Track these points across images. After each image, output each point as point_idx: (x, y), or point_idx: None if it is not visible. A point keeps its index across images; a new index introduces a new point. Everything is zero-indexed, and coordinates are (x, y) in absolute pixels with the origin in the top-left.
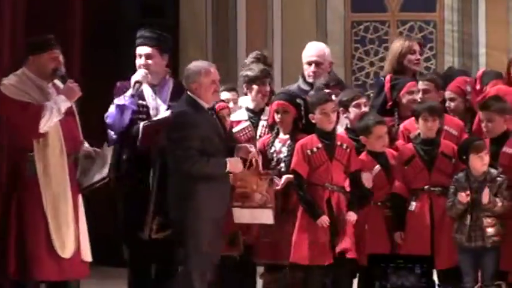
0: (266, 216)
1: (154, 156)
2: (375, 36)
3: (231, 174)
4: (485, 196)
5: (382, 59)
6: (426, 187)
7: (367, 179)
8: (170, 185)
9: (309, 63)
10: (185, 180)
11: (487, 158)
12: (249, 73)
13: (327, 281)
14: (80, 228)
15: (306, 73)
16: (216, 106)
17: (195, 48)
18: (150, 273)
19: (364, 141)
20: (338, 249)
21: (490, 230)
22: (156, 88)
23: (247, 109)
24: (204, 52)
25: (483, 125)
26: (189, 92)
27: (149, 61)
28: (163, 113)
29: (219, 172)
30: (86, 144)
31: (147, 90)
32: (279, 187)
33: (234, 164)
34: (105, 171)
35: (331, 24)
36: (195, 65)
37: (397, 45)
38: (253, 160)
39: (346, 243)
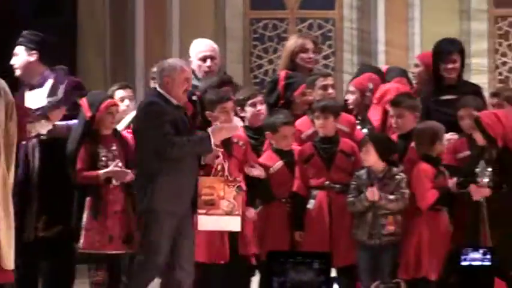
0: (233, 224)
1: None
2: (274, 33)
3: (198, 181)
4: (370, 193)
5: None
6: (326, 183)
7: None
8: (135, 178)
9: (204, 59)
10: (147, 173)
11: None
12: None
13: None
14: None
15: (200, 69)
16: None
17: (93, 47)
18: (36, 273)
19: (269, 137)
20: (241, 250)
21: (388, 228)
22: (35, 89)
23: None
24: (102, 51)
25: (393, 121)
26: (158, 88)
27: (15, 59)
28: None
29: (203, 148)
30: None
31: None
32: None
33: (217, 133)
34: None
35: (230, 22)
36: (172, 61)
37: (290, 43)
38: (219, 166)
39: (244, 242)
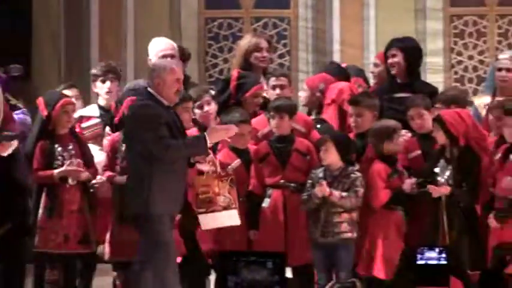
0: (232, 218)
1: None
2: (229, 32)
3: (194, 181)
4: (319, 190)
5: (281, 56)
6: (281, 182)
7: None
8: (128, 181)
9: (164, 58)
10: (141, 176)
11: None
12: (95, 71)
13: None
14: None
15: None
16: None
17: (48, 46)
18: None
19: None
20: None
21: (342, 226)
22: None
23: (99, 106)
24: (58, 50)
25: (352, 119)
26: (149, 88)
27: None
28: None
29: (199, 150)
30: None
31: None
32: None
33: (213, 134)
34: None
35: (185, 21)
36: (161, 61)
37: (244, 42)
38: (211, 163)
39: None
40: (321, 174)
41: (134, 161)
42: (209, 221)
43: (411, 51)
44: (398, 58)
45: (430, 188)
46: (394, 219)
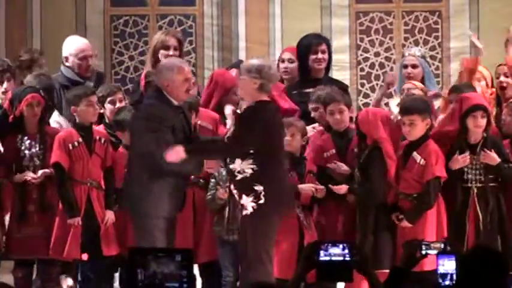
0: None
1: None
2: (135, 30)
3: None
4: (221, 193)
5: (142, 53)
6: (192, 178)
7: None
8: (128, 181)
9: (85, 58)
10: (142, 177)
11: None
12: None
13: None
14: None
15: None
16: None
17: None
18: None
19: (120, 136)
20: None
21: None
22: None
23: None
24: None
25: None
26: (159, 86)
27: None
28: None
29: (190, 170)
30: None
31: None
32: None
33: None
34: None
35: (90, 19)
36: (168, 61)
37: (153, 39)
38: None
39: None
40: (224, 173)
41: (137, 162)
42: None
43: (330, 48)
44: (326, 54)
45: (333, 187)
46: (292, 219)
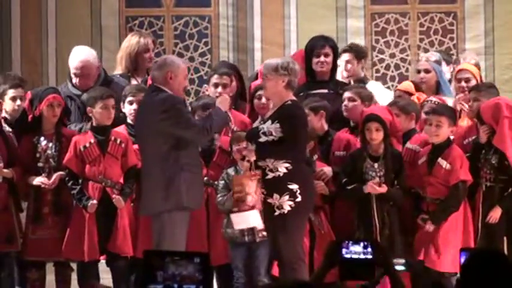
0: (256, 218)
1: None
2: (150, 31)
3: (231, 179)
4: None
5: (158, 54)
6: (205, 179)
7: None
8: (152, 175)
9: (81, 76)
10: (168, 171)
11: None
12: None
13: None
14: None
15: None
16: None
17: None
18: None
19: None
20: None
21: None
22: None
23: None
24: None
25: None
26: (156, 84)
27: None
28: None
29: (224, 120)
30: None
31: None
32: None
33: (224, 103)
34: None
35: (106, 20)
36: (174, 57)
37: (132, 42)
38: (246, 162)
39: (119, 241)
40: (233, 173)
41: (162, 156)
42: (239, 221)
43: (337, 50)
44: (330, 57)
45: (368, 186)
46: None
